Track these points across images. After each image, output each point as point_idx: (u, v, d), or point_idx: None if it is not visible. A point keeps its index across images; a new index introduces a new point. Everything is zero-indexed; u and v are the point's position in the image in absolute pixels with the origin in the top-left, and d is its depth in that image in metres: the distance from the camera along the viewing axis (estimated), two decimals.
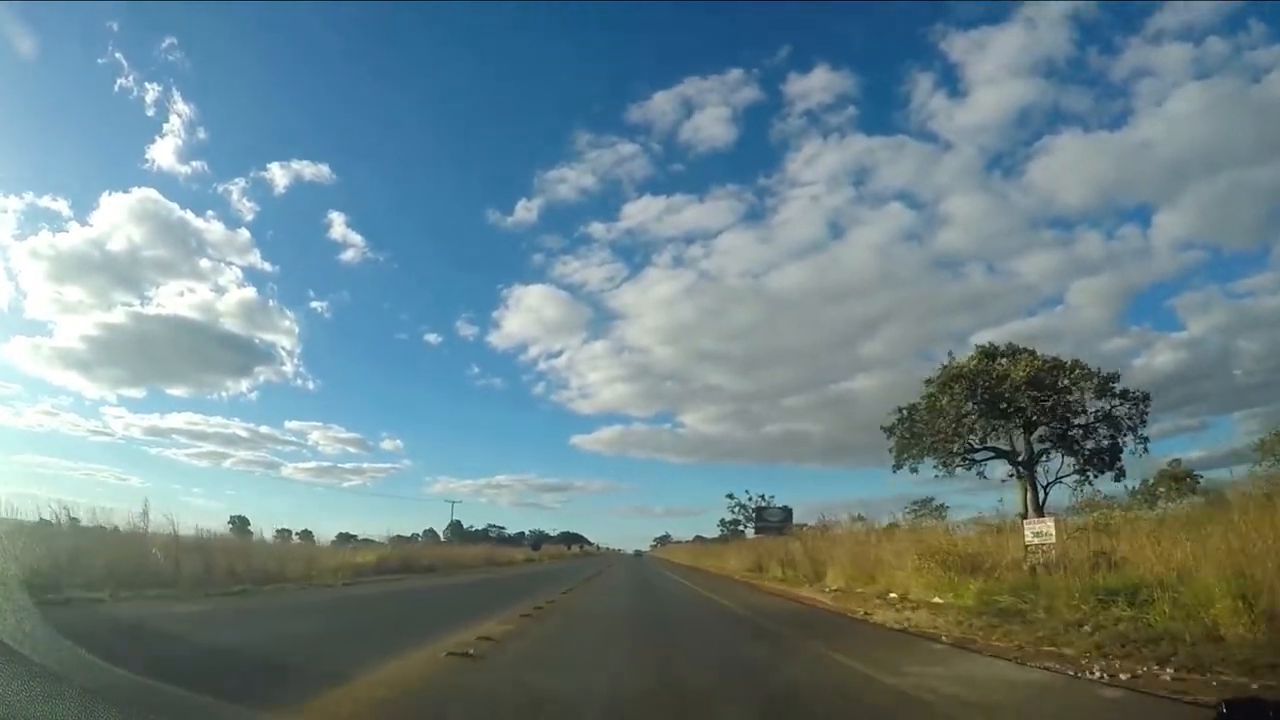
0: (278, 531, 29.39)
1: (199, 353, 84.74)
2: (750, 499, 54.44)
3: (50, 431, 77.83)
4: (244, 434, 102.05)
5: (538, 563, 54.79)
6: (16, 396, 75.80)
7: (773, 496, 52.89)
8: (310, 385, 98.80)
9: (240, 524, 28.46)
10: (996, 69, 69.36)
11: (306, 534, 30.17)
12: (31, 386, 76.43)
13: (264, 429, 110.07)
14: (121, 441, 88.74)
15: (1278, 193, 61.71)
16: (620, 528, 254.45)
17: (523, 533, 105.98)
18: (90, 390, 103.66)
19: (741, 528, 56.03)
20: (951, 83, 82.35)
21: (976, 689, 5.72)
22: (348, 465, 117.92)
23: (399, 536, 41.46)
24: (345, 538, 35.35)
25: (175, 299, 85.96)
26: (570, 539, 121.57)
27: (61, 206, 79.69)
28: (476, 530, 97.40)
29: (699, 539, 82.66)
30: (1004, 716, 5.11)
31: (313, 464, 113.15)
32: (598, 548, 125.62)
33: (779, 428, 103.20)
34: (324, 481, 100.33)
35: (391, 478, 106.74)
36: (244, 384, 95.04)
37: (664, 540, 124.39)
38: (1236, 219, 63.91)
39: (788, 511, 46.04)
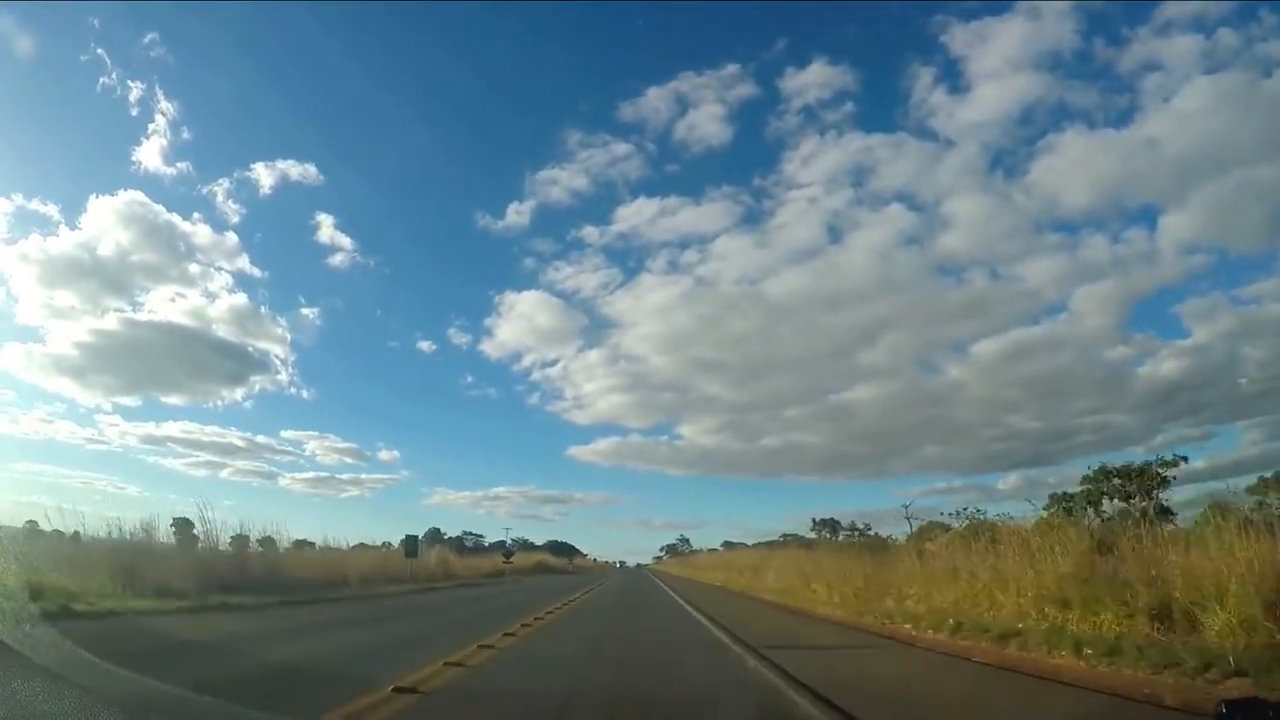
0: (233, 538, 25.23)
1: (193, 360, 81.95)
2: None
3: (47, 439, 75.51)
4: (240, 443, 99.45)
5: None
6: (11, 403, 73.47)
7: None
8: (305, 394, 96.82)
9: (184, 526, 24.74)
10: (999, 63, 64.82)
11: (268, 540, 26.84)
12: (26, 393, 75.05)
13: (260, 438, 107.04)
14: (118, 450, 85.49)
15: None
16: (621, 541, 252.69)
17: (503, 541, 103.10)
18: (85, 398, 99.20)
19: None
20: (952, 77, 78.11)
21: None
22: (345, 476, 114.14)
23: (362, 544, 38.85)
24: (301, 544, 33.09)
25: (167, 304, 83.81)
26: (559, 549, 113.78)
27: (51, 210, 77.12)
28: (451, 538, 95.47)
29: (729, 545, 68.64)
30: None
31: (310, 474, 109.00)
32: (572, 561, 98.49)
33: (777, 439, 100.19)
34: (321, 492, 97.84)
35: (389, 488, 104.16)
36: (239, 393, 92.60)
37: (676, 549, 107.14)
38: (1244, 220, 60.05)
39: None
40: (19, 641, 5.46)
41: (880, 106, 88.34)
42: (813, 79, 75.74)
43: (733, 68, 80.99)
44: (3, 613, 7.01)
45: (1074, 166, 64.02)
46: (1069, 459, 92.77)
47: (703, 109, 79.69)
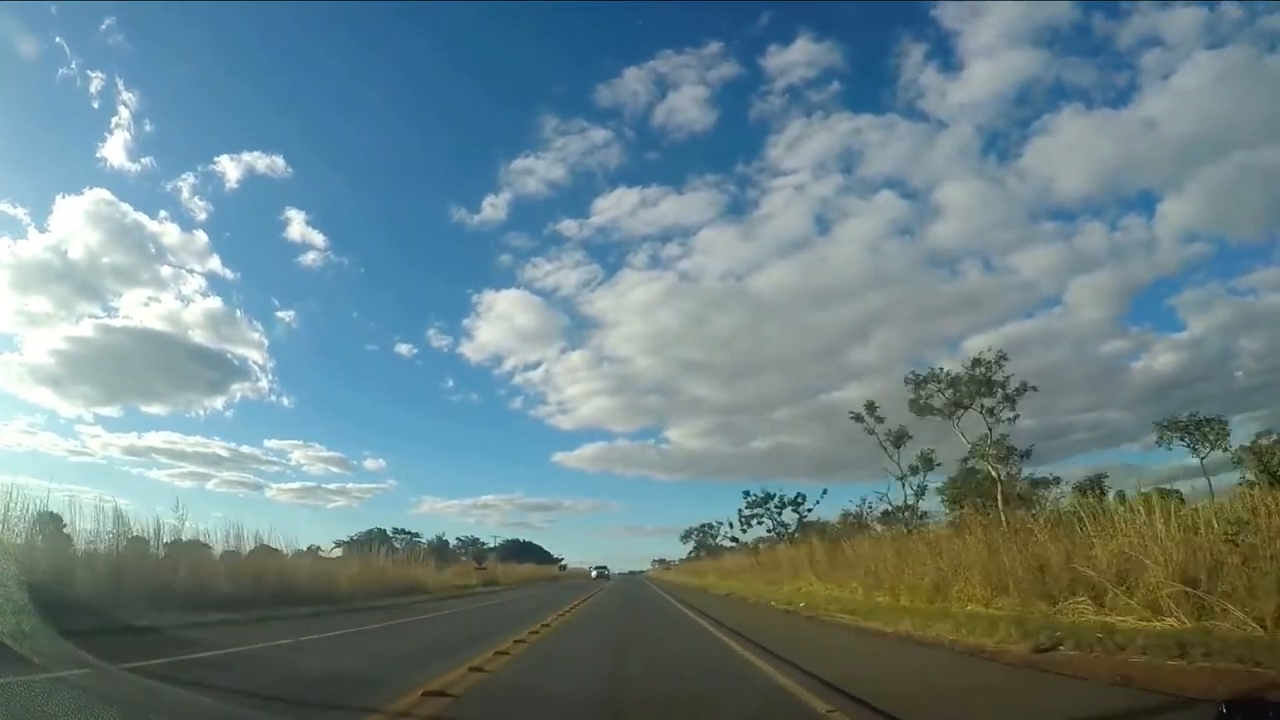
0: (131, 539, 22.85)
1: (171, 368, 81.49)
2: None
3: (30, 451, 72.81)
4: (225, 453, 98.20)
5: None
6: None
7: None
8: (286, 402, 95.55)
9: (54, 523, 22.88)
10: (994, 38, 65.08)
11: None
12: (6, 404, 71.95)
13: (245, 448, 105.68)
14: (102, 461, 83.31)
15: None
16: (610, 548, 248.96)
17: (445, 541, 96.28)
18: (65, 408, 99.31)
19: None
20: (944, 54, 78.26)
21: None
22: (332, 486, 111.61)
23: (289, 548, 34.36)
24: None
25: (141, 309, 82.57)
26: (524, 551, 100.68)
27: (20, 213, 75.22)
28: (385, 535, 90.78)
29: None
30: None
31: (296, 484, 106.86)
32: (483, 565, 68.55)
33: (767, 442, 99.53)
34: (309, 503, 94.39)
35: (377, 497, 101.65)
36: (220, 401, 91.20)
37: (712, 539, 66.77)
38: (1243, 207, 60.02)
39: None
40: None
41: (869, 86, 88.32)
42: (798, 57, 76.95)
43: (714, 46, 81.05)
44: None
45: (1070, 149, 63.84)
46: (1063, 458, 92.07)
47: (683, 91, 79.74)
